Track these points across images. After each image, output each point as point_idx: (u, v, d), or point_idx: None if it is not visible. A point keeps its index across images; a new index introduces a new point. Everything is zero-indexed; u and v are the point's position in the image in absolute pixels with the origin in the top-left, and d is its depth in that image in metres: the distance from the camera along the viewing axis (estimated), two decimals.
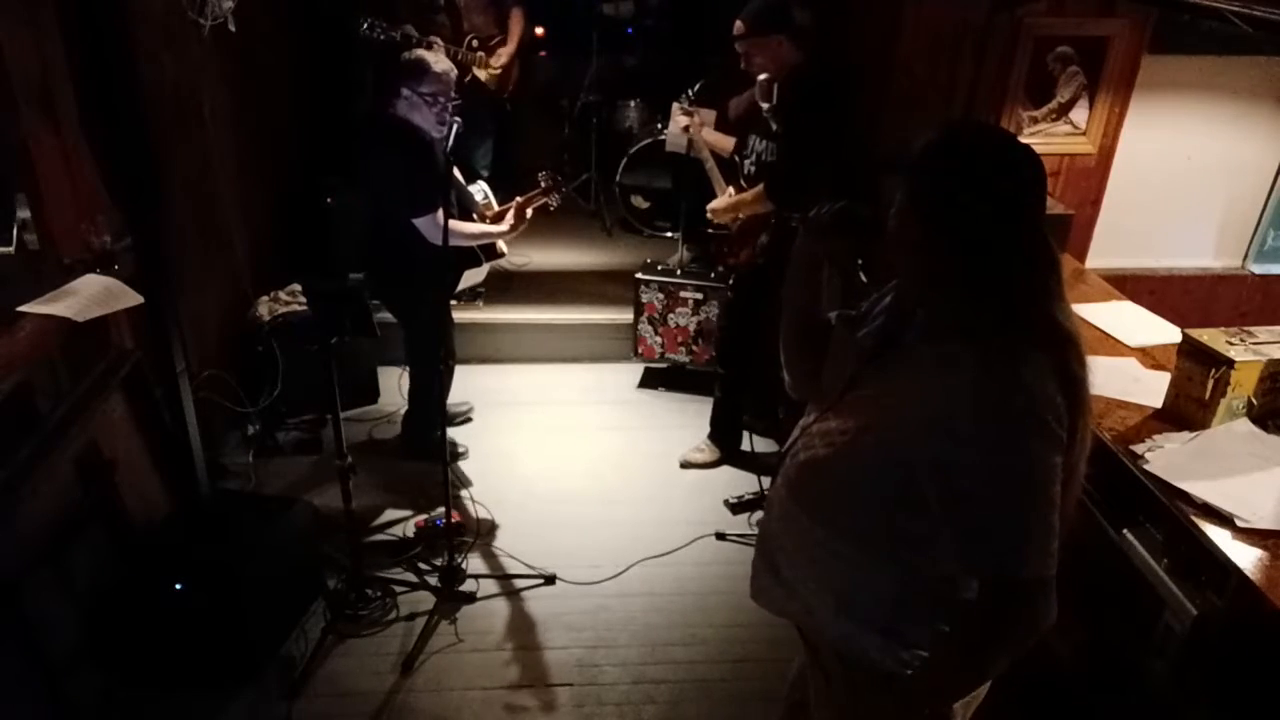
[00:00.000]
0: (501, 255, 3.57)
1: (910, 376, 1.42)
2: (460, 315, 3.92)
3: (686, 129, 3.50)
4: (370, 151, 3.22)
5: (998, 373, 1.31)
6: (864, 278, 1.59)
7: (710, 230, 3.49)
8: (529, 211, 3.35)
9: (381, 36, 4.06)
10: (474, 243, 3.28)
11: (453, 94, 3.11)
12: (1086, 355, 1.37)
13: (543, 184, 3.28)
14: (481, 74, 4.53)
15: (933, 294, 1.43)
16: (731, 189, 3.37)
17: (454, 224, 2.95)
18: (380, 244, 3.31)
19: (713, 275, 4.13)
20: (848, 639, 1.55)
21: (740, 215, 3.31)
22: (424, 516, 3.37)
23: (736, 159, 3.39)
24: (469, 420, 4.02)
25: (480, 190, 3.53)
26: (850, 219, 1.56)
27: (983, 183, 1.33)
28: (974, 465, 1.30)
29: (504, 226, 3.32)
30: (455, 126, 2.86)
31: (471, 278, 3.50)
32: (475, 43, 4.50)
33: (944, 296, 1.40)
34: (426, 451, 3.65)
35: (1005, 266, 1.33)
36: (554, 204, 3.33)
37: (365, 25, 4.03)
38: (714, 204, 3.39)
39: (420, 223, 3.08)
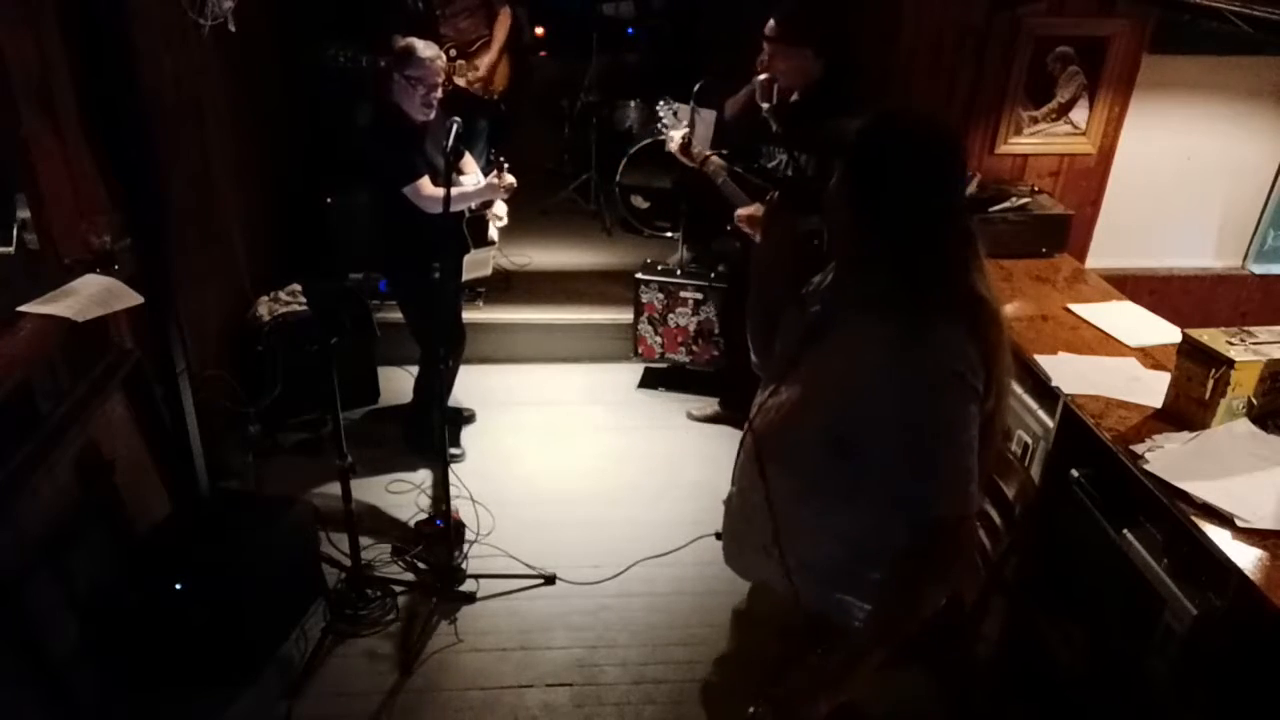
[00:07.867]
0: (493, 243, 3.60)
1: (841, 345, 1.54)
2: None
3: (685, 148, 3.41)
4: (363, 131, 3.43)
5: (912, 334, 1.43)
6: (819, 245, 1.69)
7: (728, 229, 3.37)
8: (508, 180, 3.36)
9: (346, 64, 4.28)
10: (461, 205, 3.36)
11: (438, 80, 3.22)
12: (1003, 320, 1.50)
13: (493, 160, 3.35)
14: (461, 80, 4.49)
15: (862, 267, 1.55)
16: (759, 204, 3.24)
17: (435, 190, 3.14)
18: (379, 229, 3.47)
19: (713, 275, 4.12)
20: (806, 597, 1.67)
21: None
22: (424, 516, 3.38)
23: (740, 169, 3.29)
24: (470, 420, 4.03)
25: (476, 180, 3.53)
26: (797, 193, 1.70)
27: (907, 167, 1.45)
28: (894, 418, 1.44)
29: (484, 183, 3.37)
30: (455, 127, 2.88)
31: (475, 268, 3.53)
32: (454, 51, 4.46)
33: (871, 269, 1.52)
34: (422, 447, 3.68)
35: (924, 243, 1.45)
36: (507, 183, 3.33)
37: (332, 53, 4.28)
38: (741, 211, 3.26)
39: (408, 191, 3.20)
